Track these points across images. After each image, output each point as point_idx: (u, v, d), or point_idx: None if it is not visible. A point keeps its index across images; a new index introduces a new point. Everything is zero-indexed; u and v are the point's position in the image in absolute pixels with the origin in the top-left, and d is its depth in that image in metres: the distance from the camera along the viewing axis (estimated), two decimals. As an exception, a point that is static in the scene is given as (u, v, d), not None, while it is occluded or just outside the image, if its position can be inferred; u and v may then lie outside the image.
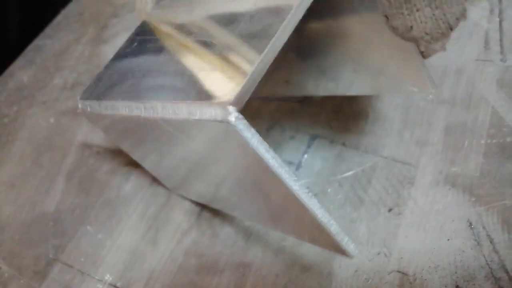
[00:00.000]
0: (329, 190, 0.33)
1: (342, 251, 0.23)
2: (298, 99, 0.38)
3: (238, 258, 0.31)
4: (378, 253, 0.29)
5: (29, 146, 0.44)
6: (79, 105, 0.31)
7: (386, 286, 0.28)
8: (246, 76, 0.20)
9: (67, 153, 0.42)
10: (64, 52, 0.53)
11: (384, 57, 0.28)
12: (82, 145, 0.42)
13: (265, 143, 0.20)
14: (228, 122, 0.19)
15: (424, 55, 0.25)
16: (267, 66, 0.20)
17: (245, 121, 0.19)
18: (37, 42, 0.56)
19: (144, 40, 0.30)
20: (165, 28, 0.30)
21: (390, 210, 0.31)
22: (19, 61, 0.54)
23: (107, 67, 0.31)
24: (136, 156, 0.34)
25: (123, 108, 0.26)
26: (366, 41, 0.28)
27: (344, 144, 0.35)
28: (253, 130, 0.19)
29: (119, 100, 0.26)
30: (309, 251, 0.30)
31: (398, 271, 0.28)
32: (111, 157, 0.40)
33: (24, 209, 0.39)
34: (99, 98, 0.29)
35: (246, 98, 0.19)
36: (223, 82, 0.21)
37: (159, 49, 0.28)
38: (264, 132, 0.37)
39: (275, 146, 0.36)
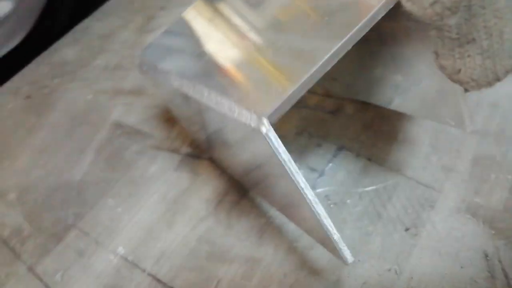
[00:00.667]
0: (348, 201, 0.33)
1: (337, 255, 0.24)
2: (331, 110, 0.39)
3: (249, 252, 0.32)
4: (389, 270, 0.29)
5: (65, 118, 0.46)
6: (138, 61, 0.33)
7: (392, 302, 0.28)
8: (287, 94, 0.21)
9: (100, 130, 0.43)
10: (110, 36, 0.56)
11: (429, 84, 0.28)
12: (115, 124, 0.44)
13: (287, 153, 0.21)
14: (260, 131, 0.20)
15: (466, 90, 0.25)
16: (310, 86, 0.21)
17: (274, 134, 0.20)
18: (86, 23, 0.58)
19: (204, 22, 0.32)
20: (228, 18, 0.31)
21: (407, 229, 0.31)
22: (66, 39, 0.56)
23: (168, 32, 0.32)
24: (177, 114, 0.34)
25: (175, 81, 0.27)
26: (416, 67, 0.28)
27: (369, 159, 0.35)
28: (279, 142, 0.21)
29: (173, 72, 0.28)
30: (320, 256, 0.30)
31: (407, 290, 0.28)
32: (141, 139, 0.41)
33: (51, 174, 0.40)
34: (156, 62, 0.30)
35: (282, 113, 0.21)
36: (266, 91, 0.22)
37: (218, 37, 0.29)
38: (293, 136, 0.38)
39: (301, 151, 0.37)
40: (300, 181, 0.22)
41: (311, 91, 0.39)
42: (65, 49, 0.55)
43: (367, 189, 0.33)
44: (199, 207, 0.35)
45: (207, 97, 0.24)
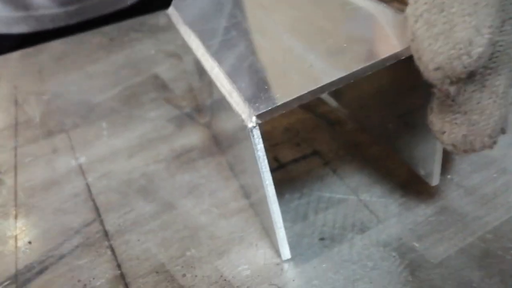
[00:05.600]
0: (287, 195, 0.31)
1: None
2: (331, 122, 0.37)
3: (172, 200, 0.32)
4: (278, 264, 0.27)
5: (124, 59, 0.52)
6: (171, 7, 0.35)
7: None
8: (280, 102, 0.22)
9: (140, 75, 0.48)
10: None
11: (418, 132, 0.28)
12: (154, 75, 0.48)
13: (263, 151, 0.22)
14: (247, 126, 0.22)
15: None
16: (304, 102, 0.22)
17: (257, 132, 0.22)
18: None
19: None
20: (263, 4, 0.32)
21: (321, 239, 0.28)
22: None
23: None
24: (191, 77, 0.37)
25: (193, 42, 0.29)
26: (416, 116, 0.28)
27: (334, 171, 0.33)
28: (260, 139, 0.22)
29: (193, 32, 0.30)
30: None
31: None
32: (162, 91, 0.45)
33: (81, 90, 0.46)
34: (182, 14, 0.32)
35: (272, 115, 0.22)
36: (265, 91, 0.23)
37: (250, 11, 0.30)
38: (281, 129, 0.37)
39: (279, 144, 0.36)
40: (267, 180, 0.23)
41: (323, 102, 0.39)
42: (164, 17, 0.62)
43: (313, 191, 0.31)
44: (161, 152, 0.37)
45: (215, 74, 0.26)
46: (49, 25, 0.65)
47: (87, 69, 0.51)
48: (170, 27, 0.35)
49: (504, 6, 0.21)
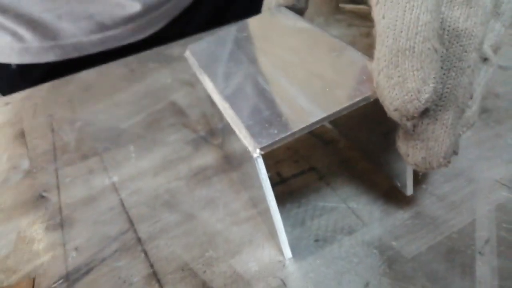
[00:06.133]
0: (288, 204, 0.37)
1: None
2: (326, 141, 0.44)
3: (193, 211, 0.38)
4: (280, 261, 0.33)
5: (144, 88, 0.58)
6: (187, 51, 0.41)
7: None
8: (278, 137, 0.28)
9: (159, 103, 0.55)
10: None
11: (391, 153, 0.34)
12: (171, 102, 0.55)
13: (266, 175, 0.28)
14: (251, 155, 0.28)
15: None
16: (298, 136, 0.28)
17: (261, 160, 0.28)
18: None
19: (250, 38, 0.39)
20: (268, 39, 0.38)
21: (316, 240, 0.34)
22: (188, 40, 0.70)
23: (216, 36, 0.41)
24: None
25: (207, 85, 0.35)
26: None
27: (328, 184, 0.39)
28: (263, 166, 0.28)
29: (207, 75, 0.36)
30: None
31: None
32: (180, 116, 0.51)
33: (111, 119, 0.53)
34: (197, 59, 0.38)
35: (274, 147, 0.28)
36: (266, 128, 0.29)
37: (254, 56, 0.36)
38: (282, 148, 0.43)
39: (280, 161, 0.42)
40: (269, 196, 0.29)
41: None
42: (178, 48, 0.69)
43: (309, 201, 0.37)
44: (181, 171, 0.43)
45: (228, 114, 0.32)
46: (73, 54, 0.73)
47: (113, 98, 0.58)
48: (184, 57, 0.41)
49: (448, 58, 0.27)
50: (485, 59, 0.30)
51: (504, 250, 0.31)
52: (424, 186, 0.37)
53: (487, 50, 0.30)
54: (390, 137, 0.32)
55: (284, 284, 0.31)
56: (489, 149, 0.40)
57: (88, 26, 0.70)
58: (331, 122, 0.44)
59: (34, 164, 0.48)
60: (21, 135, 0.54)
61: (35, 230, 0.40)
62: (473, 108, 0.29)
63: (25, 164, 0.48)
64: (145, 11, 0.73)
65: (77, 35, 0.71)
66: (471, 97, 0.29)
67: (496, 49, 0.31)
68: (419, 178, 0.37)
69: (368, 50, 0.33)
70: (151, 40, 0.74)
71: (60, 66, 0.72)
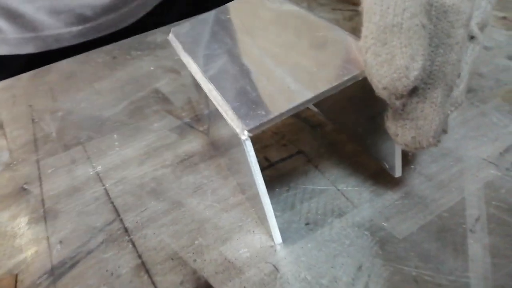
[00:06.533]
0: (277, 189, 0.37)
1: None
2: (313, 124, 0.43)
3: (180, 198, 0.37)
4: (271, 246, 0.32)
5: (126, 76, 0.57)
6: (170, 34, 0.40)
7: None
8: (266, 118, 0.27)
9: (142, 90, 0.54)
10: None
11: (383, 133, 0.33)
12: (155, 90, 0.53)
13: (255, 157, 0.28)
14: (240, 137, 0.27)
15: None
16: (286, 116, 0.27)
17: (250, 143, 0.27)
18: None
19: (234, 19, 0.38)
20: (254, 23, 0.37)
21: (307, 224, 0.34)
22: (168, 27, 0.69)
23: (199, 19, 0.40)
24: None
25: (191, 67, 0.35)
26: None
27: (316, 167, 0.38)
28: (252, 148, 0.27)
29: (192, 58, 0.35)
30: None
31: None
32: (163, 104, 0.50)
33: (94, 108, 0.51)
34: (181, 41, 0.37)
35: (262, 128, 0.27)
36: (253, 109, 0.28)
37: (238, 38, 0.35)
38: (269, 133, 0.43)
39: (268, 145, 0.41)
40: (259, 180, 0.28)
41: (307, 108, 0.44)
42: (160, 35, 0.68)
43: (298, 185, 0.37)
44: (167, 158, 0.42)
45: (213, 95, 0.31)
46: (54, 45, 0.71)
47: (95, 86, 0.56)
48: (167, 44, 0.40)
49: (437, 35, 0.27)
50: (471, 37, 0.30)
51: (495, 228, 0.31)
52: (412, 166, 0.37)
53: (474, 28, 0.30)
54: (377, 119, 0.32)
55: (277, 269, 0.31)
56: (475, 128, 0.39)
57: (69, 18, 0.68)
58: (317, 107, 0.44)
59: (14, 156, 0.47)
60: (0, 127, 0.52)
61: (17, 224, 0.38)
62: (461, 87, 0.29)
63: (5, 156, 0.47)
64: (126, 0, 0.71)
65: (57, 27, 0.69)
66: (459, 76, 0.29)
67: (482, 27, 0.31)
68: (408, 159, 0.37)
69: (353, 33, 0.32)
70: (133, 29, 0.72)
71: (40, 57, 0.70)
